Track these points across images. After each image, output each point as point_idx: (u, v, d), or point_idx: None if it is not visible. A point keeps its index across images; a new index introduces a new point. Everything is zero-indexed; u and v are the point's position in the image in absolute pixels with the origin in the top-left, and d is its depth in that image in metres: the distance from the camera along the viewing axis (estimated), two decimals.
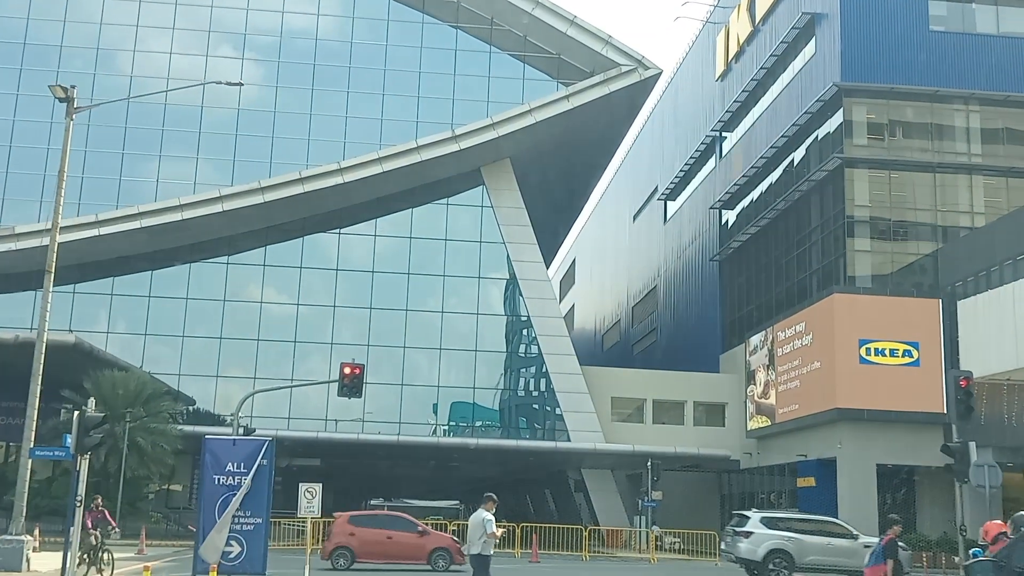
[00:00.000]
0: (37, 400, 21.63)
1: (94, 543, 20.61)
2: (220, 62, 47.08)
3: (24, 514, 21.20)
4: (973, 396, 21.17)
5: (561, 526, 38.81)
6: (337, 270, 47.30)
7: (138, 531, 31.57)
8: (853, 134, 40.20)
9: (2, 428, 41.44)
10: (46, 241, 23.39)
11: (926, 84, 39.64)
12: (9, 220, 43.83)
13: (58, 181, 22.80)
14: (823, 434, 37.62)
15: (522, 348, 48.14)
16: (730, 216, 51.89)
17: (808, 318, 38.92)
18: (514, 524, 35.79)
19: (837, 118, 40.26)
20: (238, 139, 47.22)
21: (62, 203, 23.05)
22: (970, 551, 18.96)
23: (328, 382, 36.85)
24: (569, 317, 78.61)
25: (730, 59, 51.31)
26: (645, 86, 46.76)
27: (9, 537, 20.89)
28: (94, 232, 42.73)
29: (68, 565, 18.53)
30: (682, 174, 58.05)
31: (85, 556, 20.38)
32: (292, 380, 42.91)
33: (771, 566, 25.84)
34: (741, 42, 49.79)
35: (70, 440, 19.13)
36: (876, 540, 16.21)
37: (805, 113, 41.67)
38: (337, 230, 47.89)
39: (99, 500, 21.92)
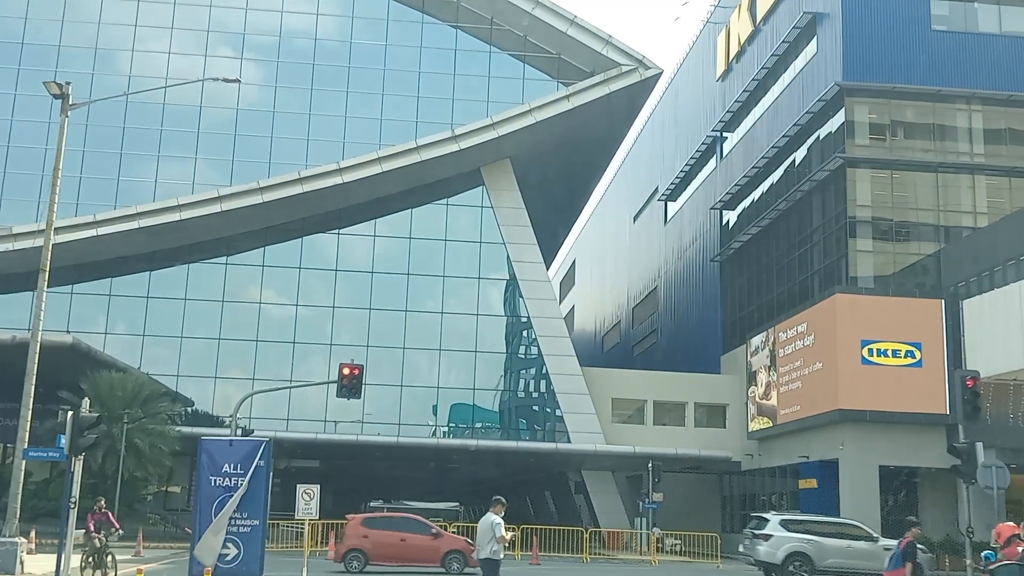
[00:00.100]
0: (31, 400, 21.40)
1: (99, 545, 20.35)
2: (219, 62, 46.82)
3: (18, 516, 20.97)
4: (980, 396, 20.96)
5: (561, 528, 38.63)
6: (336, 270, 47.11)
7: (136, 533, 31.35)
8: (855, 134, 40.01)
9: (0, 429, 41.22)
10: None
11: (928, 84, 39.45)
12: (7, 220, 43.60)
13: (53, 178, 22.62)
14: (825, 435, 37.42)
15: (522, 349, 47.97)
16: (731, 216, 51.71)
17: (810, 319, 38.73)
18: (514, 526, 35.58)
19: (839, 118, 40.06)
20: (237, 139, 47.04)
21: (57, 201, 22.85)
22: (982, 554, 18.75)
23: (327, 383, 36.72)
24: (569, 318, 78.44)
25: (731, 59, 51.15)
26: (645, 86, 46.59)
27: (3, 539, 20.60)
28: (92, 232, 42.57)
29: (62, 567, 18.31)
30: (683, 174, 57.87)
31: (90, 559, 20.13)
32: (291, 381, 42.76)
33: (791, 569, 25.67)
34: (742, 42, 49.63)
35: (64, 441, 18.92)
36: (895, 542, 15.95)
37: (806, 113, 41.48)
38: (336, 230, 47.70)
39: (102, 502, 21.68)
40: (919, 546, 14.95)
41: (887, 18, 40.21)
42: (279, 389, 41.82)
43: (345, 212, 46.72)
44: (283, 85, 47.90)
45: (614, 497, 46.82)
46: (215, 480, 16.65)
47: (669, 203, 61.90)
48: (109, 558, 20.54)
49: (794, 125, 42.60)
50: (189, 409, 44.85)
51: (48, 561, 21.11)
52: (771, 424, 42.29)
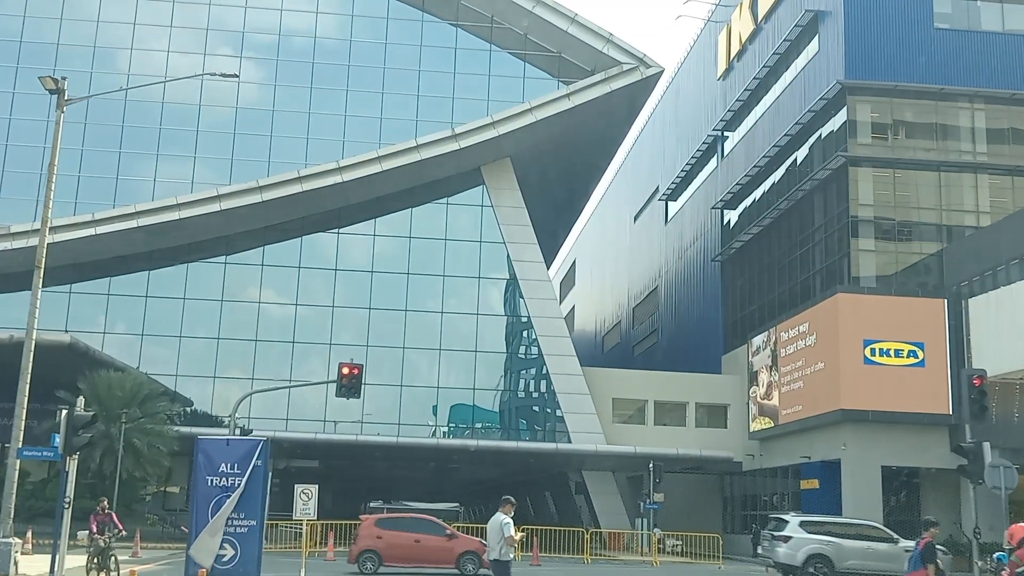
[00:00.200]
0: (26, 399, 21.22)
1: (103, 546, 20.14)
2: (218, 60, 46.63)
3: (12, 516, 20.76)
4: (987, 395, 20.75)
5: (562, 528, 38.47)
6: (336, 270, 46.92)
7: (134, 534, 31.13)
8: (857, 133, 39.84)
9: None
10: None
11: (931, 82, 39.27)
12: (5, 220, 43.40)
13: (48, 175, 22.44)
14: (827, 435, 37.23)
15: (522, 349, 47.78)
16: (732, 216, 51.52)
17: (812, 318, 38.54)
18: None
19: (841, 116, 39.87)
20: (236, 138, 46.84)
21: (52, 198, 22.67)
22: (994, 555, 18.53)
23: (326, 383, 36.51)
24: (569, 318, 78.27)
25: (732, 58, 50.96)
26: (646, 85, 46.40)
27: None
28: (90, 231, 42.38)
29: (56, 568, 18.10)
30: (683, 174, 57.69)
31: (95, 560, 19.91)
32: (290, 381, 42.59)
33: (811, 571, 25.52)
34: (743, 40, 49.43)
35: (58, 440, 18.71)
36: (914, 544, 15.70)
37: (808, 112, 41.29)
38: (336, 230, 47.50)
39: (104, 503, 21.46)
40: (938, 547, 14.68)
41: (889, 16, 40.01)
42: (278, 389, 41.65)
43: (345, 211, 46.54)
44: (282, 84, 47.70)
45: (615, 497, 46.64)
46: (212, 480, 16.45)
47: (670, 202, 61.71)
48: (112, 559, 20.35)
49: (796, 124, 42.42)
50: (188, 409, 44.67)
51: (44, 561, 20.90)
52: (772, 424, 42.11)
